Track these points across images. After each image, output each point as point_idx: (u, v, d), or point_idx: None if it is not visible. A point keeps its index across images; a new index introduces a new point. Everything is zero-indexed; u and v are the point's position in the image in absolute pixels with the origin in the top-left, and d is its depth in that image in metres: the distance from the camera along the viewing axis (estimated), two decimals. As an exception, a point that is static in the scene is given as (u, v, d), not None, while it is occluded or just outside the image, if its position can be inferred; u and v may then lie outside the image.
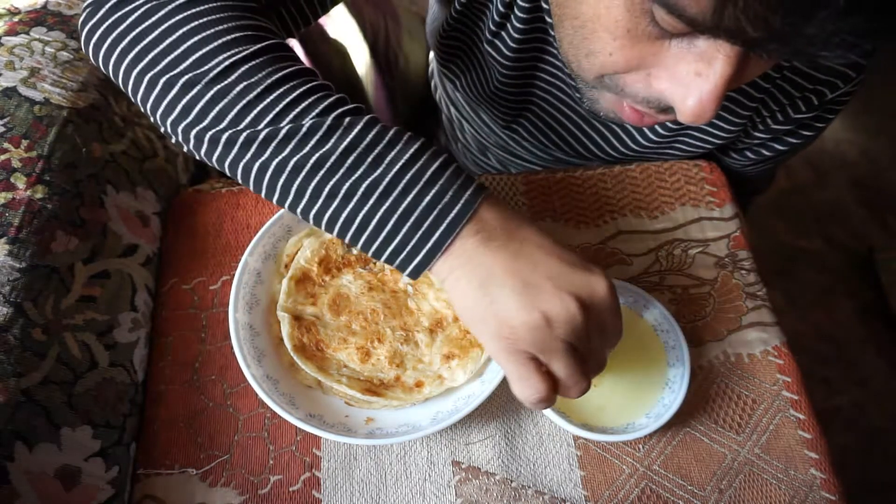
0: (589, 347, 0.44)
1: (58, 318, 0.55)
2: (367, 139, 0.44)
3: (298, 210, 0.46)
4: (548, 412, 0.56)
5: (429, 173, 0.43)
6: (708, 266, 0.68)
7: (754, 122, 0.68)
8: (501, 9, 0.61)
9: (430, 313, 0.62)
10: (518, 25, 0.61)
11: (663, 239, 0.70)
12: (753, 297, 0.66)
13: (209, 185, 0.76)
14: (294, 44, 0.95)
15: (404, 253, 0.44)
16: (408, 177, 0.43)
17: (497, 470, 0.58)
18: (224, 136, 0.45)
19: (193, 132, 0.46)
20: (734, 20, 0.32)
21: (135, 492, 0.58)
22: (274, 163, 0.44)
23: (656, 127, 0.70)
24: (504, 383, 0.57)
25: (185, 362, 0.63)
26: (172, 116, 0.46)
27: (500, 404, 0.61)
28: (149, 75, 0.46)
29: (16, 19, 0.66)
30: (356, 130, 0.44)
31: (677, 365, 0.59)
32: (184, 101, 0.45)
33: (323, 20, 0.97)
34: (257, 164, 0.45)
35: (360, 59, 0.99)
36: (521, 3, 0.59)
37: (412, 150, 0.44)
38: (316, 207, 0.45)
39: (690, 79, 0.39)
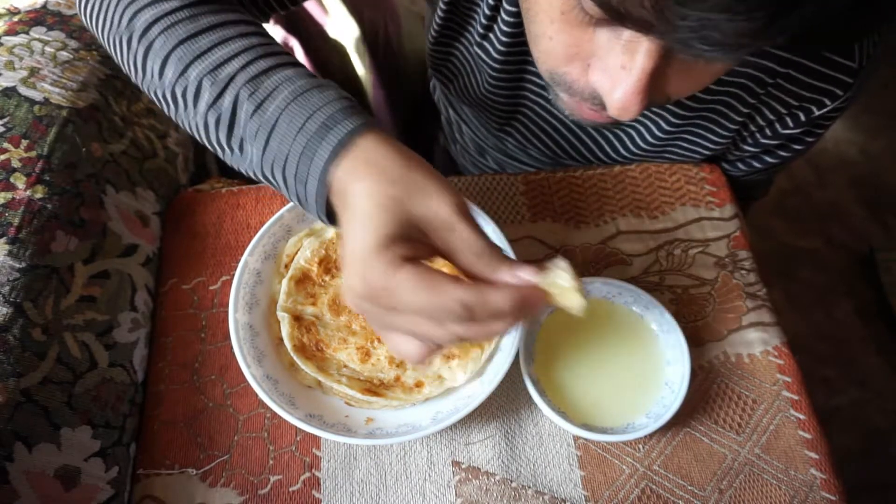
0: (395, 324, 0.41)
1: (57, 318, 0.55)
2: (250, 92, 0.44)
3: (227, 160, 0.49)
4: (547, 412, 0.56)
5: (297, 128, 0.42)
6: (708, 266, 0.68)
7: (742, 135, 0.68)
8: (487, 11, 0.62)
9: (430, 313, 0.62)
10: (505, 29, 0.61)
11: (663, 239, 0.70)
12: (753, 297, 0.66)
13: (209, 185, 0.76)
14: (294, 44, 0.95)
15: (304, 206, 0.44)
16: (282, 130, 0.43)
17: (497, 470, 0.58)
18: (160, 92, 0.48)
19: (145, 88, 0.50)
20: (631, 4, 0.32)
21: (135, 492, 0.58)
22: (196, 119, 0.47)
23: (646, 135, 0.70)
24: (504, 383, 0.58)
25: (185, 362, 0.63)
26: (129, 73, 0.51)
27: (500, 404, 0.61)
28: (110, 35, 0.50)
29: (15, 19, 0.66)
30: (241, 83, 0.44)
31: (677, 365, 0.59)
32: (132, 58, 0.49)
33: (323, 20, 0.97)
34: (188, 121, 0.48)
35: (360, 59, 0.99)
36: (507, 7, 0.60)
37: (283, 97, 0.43)
38: (232, 159, 0.47)
39: (617, 71, 0.40)
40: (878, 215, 1.72)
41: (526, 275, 0.41)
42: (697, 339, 0.64)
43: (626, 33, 0.38)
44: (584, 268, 0.68)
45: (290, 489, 0.58)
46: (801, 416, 0.60)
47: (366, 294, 0.39)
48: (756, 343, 0.64)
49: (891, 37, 0.56)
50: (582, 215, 0.71)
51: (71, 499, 0.52)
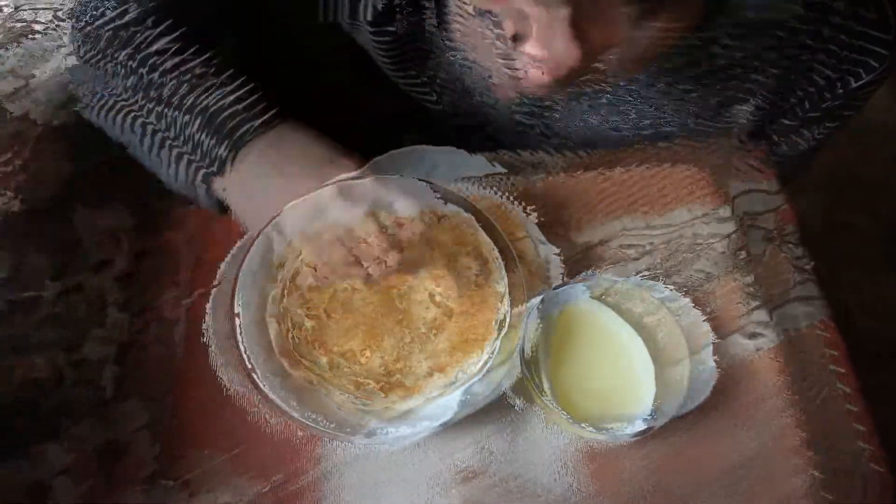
0: None
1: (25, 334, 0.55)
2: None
3: None
4: (548, 412, 0.57)
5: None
6: (712, 263, 0.68)
7: (783, 108, 0.69)
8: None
9: (430, 313, 0.63)
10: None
11: (664, 238, 0.71)
12: (802, 271, 0.67)
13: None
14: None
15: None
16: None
17: (497, 470, 0.59)
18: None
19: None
20: None
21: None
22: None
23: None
24: (504, 384, 0.59)
25: (183, 364, 0.64)
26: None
27: (499, 404, 0.61)
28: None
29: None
30: None
31: (678, 364, 0.59)
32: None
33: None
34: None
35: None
36: None
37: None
38: None
39: None
40: (924, 190, 1.74)
41: None
42: (698, 338, 0.63)
43: None
44: (585, 268, 0.68)
45: (290, 489, 0.58)
46: (847, 390, 0.60)
47: None
48: (802, 317, 0.65)
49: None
50: (582, 215, 0.72)
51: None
